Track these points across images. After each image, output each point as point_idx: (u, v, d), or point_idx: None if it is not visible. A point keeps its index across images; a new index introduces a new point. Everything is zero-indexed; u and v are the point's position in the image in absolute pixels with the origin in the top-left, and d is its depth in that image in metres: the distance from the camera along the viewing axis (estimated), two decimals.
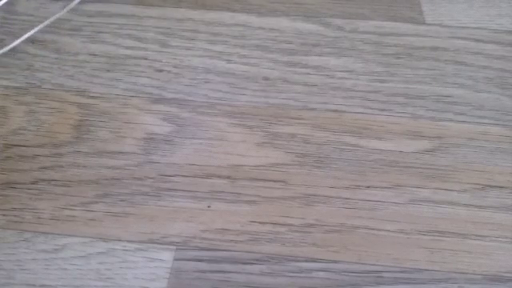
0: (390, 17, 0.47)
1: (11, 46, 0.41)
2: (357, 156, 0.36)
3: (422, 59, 0.43)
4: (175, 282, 0.30)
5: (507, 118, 0.38)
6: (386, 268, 0.30)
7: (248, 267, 0.30)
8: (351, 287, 0.30)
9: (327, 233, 0.32)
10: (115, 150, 0.36)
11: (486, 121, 0.38)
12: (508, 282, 0.30)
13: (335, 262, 0.31)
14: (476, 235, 0.32)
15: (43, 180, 0.34)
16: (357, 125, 0.38)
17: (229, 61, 0.42)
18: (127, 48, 0.43)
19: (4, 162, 0.35)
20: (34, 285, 0.29)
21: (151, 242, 0.31)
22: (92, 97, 0.39)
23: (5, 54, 0.42)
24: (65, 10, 0.37)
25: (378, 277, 0.30)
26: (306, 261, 0.31)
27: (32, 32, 0.39)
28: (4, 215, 0.32)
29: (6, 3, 0.42)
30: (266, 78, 0.41)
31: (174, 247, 0.31)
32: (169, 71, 0.41)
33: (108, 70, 0.41)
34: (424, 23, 0.46)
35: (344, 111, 0.39)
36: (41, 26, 0.38)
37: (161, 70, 0.41)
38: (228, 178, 0.34)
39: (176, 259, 0.30)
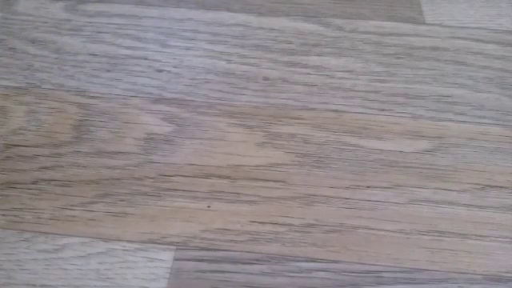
0: (389, 17, 0.47)
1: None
2: (357, 156, 0.36)
3: (422, 59, 0.43)
4: (175, 282, 0.30)
5: (507, 118, 0.38)
6: (386, 268, 0.30)
7: (248, 267, 0.30)
8: (351, 287, 0.30)
9: (327, 233, 0.32)
10: (115, 150, 0.36)
11: (486, 121, 0.38)
12: (508, 281, 0.30)
13: (335, 261, 0.31)
14: (476, 235, 0.32)
15: (43, 180, 0.34)
16: (357, 125, 0.38)
17: (229, 61, 0.42)
18: (127, 48, 0.43)
19: (4, 161, 0.35)
20: (34, 285, 0.29)
21: (151, 242, 0.31)
22: (92, 97, 0.39)
23: (5, 54, 0.42)
24: None
25: (377, 277, 0.30)
26: (306, 261, 0.31)
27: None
28: (4, 215, 0.32)
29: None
30: (266, 78, 0.41)
31: (174, 247, 0.31)
32: (169, 71, 0.41)
33: (108, 70, 0.41)
34: (424, 23, 0.46)
35: (344, 111, 0.39)
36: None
37: (161, 70, 0.41)
38: (228, 178, 0.34)
39: (176, 259, 0.30)
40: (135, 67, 0.41)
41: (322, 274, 0.30)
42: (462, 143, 0.37)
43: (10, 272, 0.30)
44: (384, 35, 0.45)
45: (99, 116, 0.38)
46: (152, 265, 0.30)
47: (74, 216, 0.32)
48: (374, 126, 0.38)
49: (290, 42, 0.44)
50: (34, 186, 0.34)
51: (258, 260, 0.31)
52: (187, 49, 0.43)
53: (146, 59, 0.42)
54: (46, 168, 0.34)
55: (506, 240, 0.32)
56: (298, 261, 0.31)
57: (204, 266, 0.30)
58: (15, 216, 0.32)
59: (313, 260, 0.31)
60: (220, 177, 0.34)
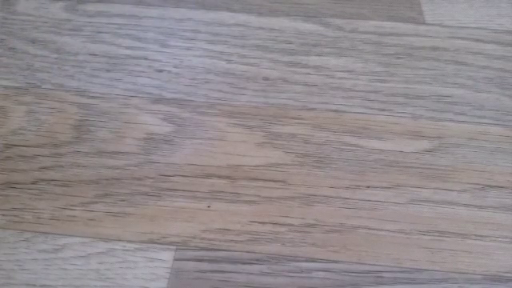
0: (389, 17, 0.47)
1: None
2: (357, 156, 0.36)
3: (422, 59, 0.43)
4: (175, 282, 0.30)
5: (507, 118, 0.38)
6: (385, 268, 0.30)
7: (248, 267, 0.30)
8: (351, 287, 0.30)
9: (327, 233, 0.32)
10: (115, 150, 0.36)
11: (486, 121, 0.38)
12: (508, 281, 0.30)
13: (335, 262, 0.31)
14: (476, 235, 0.32)
15: (43, 180, 0.34)
16: (357, 125, 0.38)
17: (229, 61, 0.42)
18: (127, 48, 0.43)
19: (4, 161, 0.35)
20: (34, 285, 0.29)
21: (151, 242, 0.31)
22: (92, 97, 0.39)
23: (5, 54, 0.42)
24: None
25: (377, 277, 0.30)
26: (306, 261, 0.31)
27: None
28: (4, 215, 0.32)
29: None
30: (266, 78, 0.41)
31: (174, 247, 0.31)
32: (169, 71, 0.41)
33: (108, 70, 0.41)
34: (424, 23, 0.46)
35: (344, 111, 0.39)
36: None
37: (161, 70, 0.41)
38: (228, 178, 0.34)
39: (176, 259, 0.30)
40: (135, 67, 0.41)
41: (321, 274, 0.30)
42: (461, 143, 0.37)
43: (9, 272, 0.30)
44: (384, 35, 0.45)
45: (99, 116, 0.38)
46: (152, 265, 0.30)
47: (73, 216, 0.32)
48: (373, 126, 0.38)
49: (290, 42, 0.44)
50: (33, 186, 0.34)
51: (258, 260, 0.31)
52: (187, 49, 0.43)
53: (146, 59, 0.42)
54: (46, 168, 0.34)
55: (506, 240, 0.32)
56: (298, 261, 0.31)
57: (204, 266, 0.30)
58: (15, 216, 0.32)
59: (313, 260, 0.31)
60: (220, 177, 0.34)
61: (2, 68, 0.41)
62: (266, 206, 0.33)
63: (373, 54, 0.43)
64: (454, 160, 0.36)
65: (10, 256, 0.30)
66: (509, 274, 0.30)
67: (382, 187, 0.34)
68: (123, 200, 0.33)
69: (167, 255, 0.31)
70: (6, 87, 0.40)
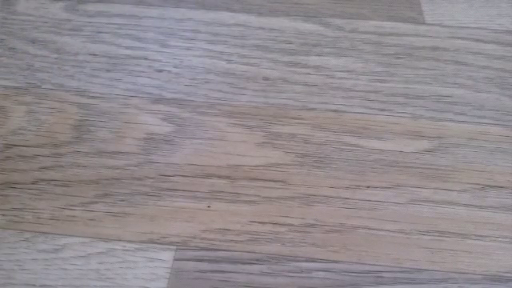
0: (389, 17, 0.47)
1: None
2: (357, 156, 0.36)
3: (422, 59, 0.43)
4: (175, 282, 0.30)
5: (507, 118, 0.38)
6: (385, 268, 0.30)
7: (248, 267, 0.30)
8: (351, 287, 0.30)
9: (327, 233, 0.32)
10: (115, 150, 0.36)
11: (486, 121, 0.38)
12: (508, 281, 0.30)
13: (335, 262, 0.31)
14: (476, 235, 0.32)
15: (43, 180, 0.34)
16: (357, 125, 0.38)
17: (229, 61, 0.42)
18: (127, 48, 0.43)
19: (4, 161, 0.35)
20: (34, 285, 0.29)
21: (151, 241, 0.31)
22: (92, 97, 0.39)
23: (5, 54, 0.42)
24: None
25: (377, 277, 0.30)
26: (306, 261, 0.31)
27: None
28: (4, 215, 0.32)
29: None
30: (266, 78, 0.41)
31: (174, 247, 0.31)
32: (169, 71, 0.41)
33: (108, 70, 0.41)
34: (424, 23, 0.46)
35: (344, 111, 0.39)
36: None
37: (161, 70, 0.41)
38: (228, 178, 0.34)
39: (176, 259, 0.30)
40: (135, 67, 0.41)
41: (322, 273, 0.30)
42: (461, 143, 0.37)
43: (9, 272, 0.30)
44: (384, 35, 0.45)
45: (99, 116, 0.38)
46: (152, 265, 0.30)
47: (74, 216, 0.32)
48: (373, 126, 0.38)
49: (290, 42, 0.44)
50: (33, 186, 0.34)
51: (258, 260, 0.31)
52: (187, 49, 0.43)
53: (146, 59, 0.42)
54: (46, 168, 0.34)
55: (506, 240, 0.32)
56: (298, 261, 0.31)
57: (204, 266, 0.30)
58: (15, 216, 0.32)
59: (313, 260, 0.31)
60: (220, 177, 0.34)
61: (2, 68, 0.41)
62: (266, 206, 0.33)
63: (373, 53, 0.43)
64: (453, 160, 0.36)
65: (9, 256, 0.30)
66: (509, 274, 0.30)
67: (382, 187, 0.34)
68: (123, 200, 0.33)
69: (167, 255, 0.31)
70: (5, 87, 0.40)
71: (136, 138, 0.36)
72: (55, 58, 0.42)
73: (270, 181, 0.34)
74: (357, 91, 0.40)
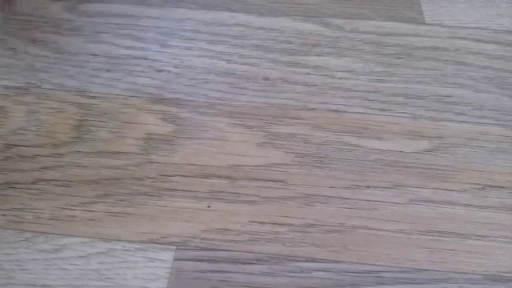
0: (389, 17, 0.47)
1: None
2: (357, 156, 0.36)
3: (422, 59, 0.43)
4: (175, 282, 0.30)
5: (507, 118, 0.38)
6: (385, 268, 0.30)
7: (248, 267, 0.30)
8: (351, 287, 0.30)
9: (327, 233, 0.32)
10: (115, 150, 0.36)
11: (486, 121, 0.38)
12: (508, 281, 0.30)
13: (335, 262, 0.31)
14: (476, 235, 0.32)
15: (43, 180, 0.34)
16: (357, 125, 0.38)
17: (229, 61, 0.42)
18: (127, 48, 0.43)
19: (4, 161, 0.35)
20: (34, 285, 0.29)
21: (151, 241, 0.31)
22: (92, 97, 0.39)
23: (5, 54, 0.42)
24: None
25: (377, 277, 0.30)
26: (306, 261, 0.31)
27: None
28: (4, 215, 0.32)
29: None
30: (266, 78, 0.41)
31: (174, 247, 0.31)
32: (169, 71, 0.41)
33: (108, 70, 0.41)
34: (424, 23, 0.46)
35: (344, 111, 0.39)
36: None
37: (161, 70, 0.41)
38: (228, 178, 0.34)
39: (176, 259, 0.30)
40: (135, 67, 0.41)
41: (322, 273, 0.30)
42: (461, 143, 0.37)
43: (9, 272, 0.30)
44: (384, 35, 0.45)
45: (99, 116, 0.38)
46: (152, 265, 0.30)
47: (73, 216, 0.32)
48: (374, 126, 0.38)
49: (290, 42, 0.44)
50: (33, 186, 0.34)
51: (258, 260, 0.31)
52: (187, 49, 0.43)
53: (146, 59, 0.42)
54: (46, 168, 0.34)
55: (506, 240, 0.32)
56: (298, 261, 0.31)
57: (204, 266, 0.30)
58: (15, 216, 0.32)
59: (313, 260, 0.31)
60: (220, 177, 0.34)
61: (2, 68, 0.41)
62: (266, 206, 0.33)
63: (373, 53, 0.43)
64: (454, 160, 0.36)
65: (10, 256, 0.30)
66: (509, 274, 0.30)
67: (382, 187, 0.34)
68: (123, 200, 0.33)
69: (167, 255, 0.31)
70: (6, 87, 0.40)
71: (136, 138, 0.36)
72: (55, 58, 0.42)
73: (270, 181, 0.34)
74: (357, 91, 0.40)
